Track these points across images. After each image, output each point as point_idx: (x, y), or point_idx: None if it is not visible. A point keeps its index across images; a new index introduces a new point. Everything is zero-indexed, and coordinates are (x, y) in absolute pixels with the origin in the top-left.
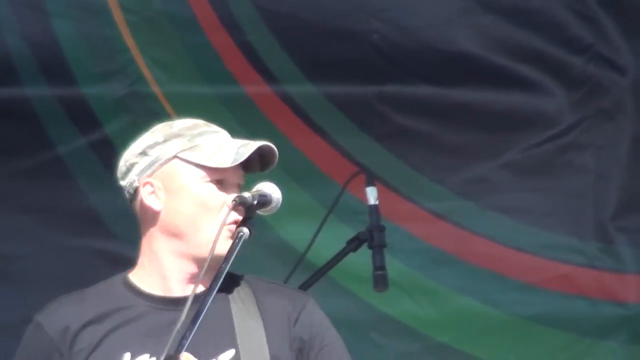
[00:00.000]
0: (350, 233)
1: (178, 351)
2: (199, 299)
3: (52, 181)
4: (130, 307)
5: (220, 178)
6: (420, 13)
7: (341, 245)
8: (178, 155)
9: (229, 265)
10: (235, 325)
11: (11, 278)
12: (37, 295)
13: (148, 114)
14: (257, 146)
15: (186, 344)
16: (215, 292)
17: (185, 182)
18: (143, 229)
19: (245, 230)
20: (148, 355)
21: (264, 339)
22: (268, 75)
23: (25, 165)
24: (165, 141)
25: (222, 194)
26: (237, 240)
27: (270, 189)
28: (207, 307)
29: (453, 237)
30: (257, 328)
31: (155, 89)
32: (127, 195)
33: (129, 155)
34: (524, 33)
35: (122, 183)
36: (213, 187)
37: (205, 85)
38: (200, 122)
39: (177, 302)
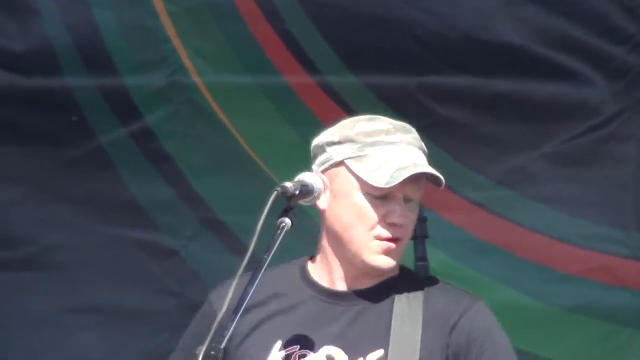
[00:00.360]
0: None
1: (219, 342)
2: (361, 295)
3: (93, 171)
4: (295, 294)
5: (385, 194)
6: (461, 3)
7: None
8: (345, 161)
9: (270, 256)
10: (393, 326)
11: (53, 268)
12: (77, 286)
13: (189, 104)
14: (411, 173)
15: (227, 336)
16: (257, 282)
17: (347, 190)
18: (321, 219)
19: (287, 220)
20: (298, 347)
21: (418, 343)
22: (309, 65)
23: (67, 155)
24: (340, 143)
25: (381, 209)
26: (279, 231)
27: (311, 178)
28: (247, 298)
29: (494, 227)
30: (413, 331)
31: (196, 78)
32: None
33: (314, 143)
34: (565, 23)
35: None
36: (373, 200)
37: (246, 75)
38: (383, 127)
39: (339, 296)
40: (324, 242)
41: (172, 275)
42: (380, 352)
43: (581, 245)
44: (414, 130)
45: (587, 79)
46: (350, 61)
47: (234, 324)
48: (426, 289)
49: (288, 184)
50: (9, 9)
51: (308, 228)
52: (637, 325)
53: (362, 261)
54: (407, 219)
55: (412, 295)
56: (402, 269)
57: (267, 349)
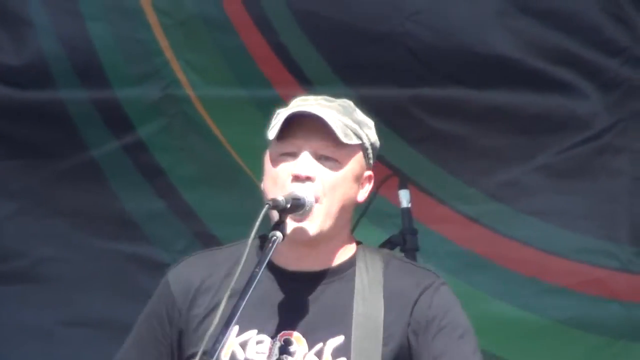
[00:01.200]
0: (382, 236)
1: (219, 341)
2: (319, 277)
3: (85, 184)
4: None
5: (290, 151)
6: (455, 15)
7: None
8: (268, 133)
9: (262, 269)
10: (354, 309)
11: (45, 281)
12: (69, 299)
13: (181, 117)
14: (289, 113)
15: (227, 335)
16: (249, 293)
17: (266, 163)
18: None
19: (279, 234)
20: (256, 331)
21: (381, 323)
22: (302, 78)
23: (60, 168)
24: (273, 118)
25: (289, 167)
26: (270, 245)
27: (303, 192)
28: (238, 313)
29: (486, 240)
30: (376, 312)
31: (189, 91)
32: None
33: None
34: (559, 36)
35: None
36: (283, 162)
37: (239, 88)
38: (303, 97)
39: (296, 278)
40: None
41: None
42: (341, 339)
43: (574, 258)
44: (342, 100)
45: (580, 91)
46: (342, 73)
47: (226, 337)
48: (386, 268)
49: (279, 198)
50: (2, 22)
51: None
52: (630, 337)
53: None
54: (318, 172)
55: (371, 275)
56: (359, 247)
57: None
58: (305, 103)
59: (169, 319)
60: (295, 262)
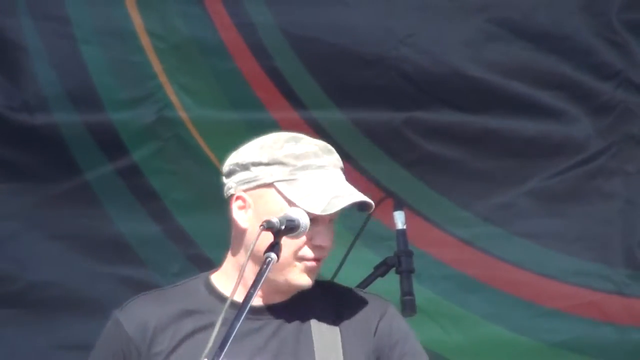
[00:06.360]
0: (376, 259)
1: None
2: (277, 310)
3: (79, 208)
4: (209, 311)
5: (311, 217)
6: (449, 39)
7: (368, 271)
8: (275, 184)
9: (257, 290)
10: (314, 340)
11: (39, 305)
12: (63, 323)
13: (175, 141)
14: (350, 202)
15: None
16: (243, 317)
17: (275, 212)
18: (232, 236)
19: (273, 255)
20: None
21: (340, 352)
22: (296, 102)
23: (53, 191)
24: (268, 164)
25: (308, 232)
26: (264, 266)
27: (297, 214)
28: (234, 332)
29: (480, 263)
30: (334, 343)
31: (183, 115)
32: (225, 195)
33: (234, 160)
34: (553, 59)
35: (224, 180)
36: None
37: (233, 112)
38: (311, 150)
39: (257, 311)
40: (238, 257)
41: None
42: None
43: (567, 281)
44: (334, 150)
45: (573, 115)
46: (336, 97)
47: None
48: (331, 295)
49: (274, 219)
50: None
51: None
52: None
53: (285, 280)
54: (331, 240)
55: (322, 304)
56: None
57: None
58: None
59: (124, 358)
60: (265, 296)
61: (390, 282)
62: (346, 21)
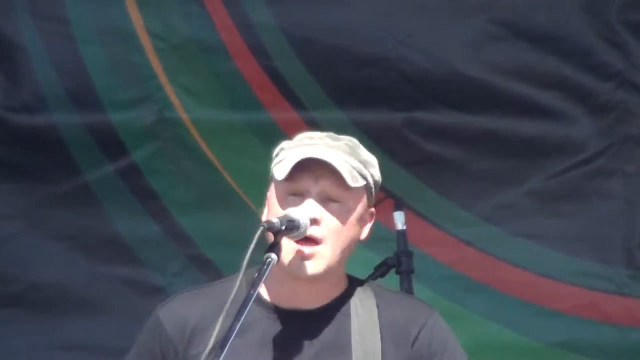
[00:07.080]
0: (376, 260)
1: None
2: (313, 315)
3: (79, 208)
4: (247, 313)
5: (298, 191)
6: (448, 39)
7: (368, 271)
8: (272, 172)
9: (257, 291)
10: (353, 346)
11: (40, 305)
12: (64, 323)
13: (175, 141)
14: (300, 158)
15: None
16: (242, 318)
17: (269, 198)
18: None
19: (274, 255)
20: None
21: (379, 358)
22: (296, 102)
23: (53, 192)
24: (275, 156)
25: (302, 207)
26: (265, 267)
27: (298, 214)
28: (234, 333)
29: (480, 263)
30: (374, 347)
31: (183, 115)
32: None
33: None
34: (553, 60)
35: None
36: (290, 201)
37: (233, 112)
38: (314, 134)
39: (292, 316)
40: None
41: None
42: None
43: (568, 282)
44: (348, 139)
45: (573, 115)
46: (336, 97)
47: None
48: (379, 301)
49: (274, 219)
50: None
51: None
52: None
53: (285, 268)
54: (324, 215)
55: (366, 305)
56: (350, 280)
57: None
58: (311, 142)
59: (162, 356)
60: (289, 298)
61: (391, 282)
62: (346, 22)
